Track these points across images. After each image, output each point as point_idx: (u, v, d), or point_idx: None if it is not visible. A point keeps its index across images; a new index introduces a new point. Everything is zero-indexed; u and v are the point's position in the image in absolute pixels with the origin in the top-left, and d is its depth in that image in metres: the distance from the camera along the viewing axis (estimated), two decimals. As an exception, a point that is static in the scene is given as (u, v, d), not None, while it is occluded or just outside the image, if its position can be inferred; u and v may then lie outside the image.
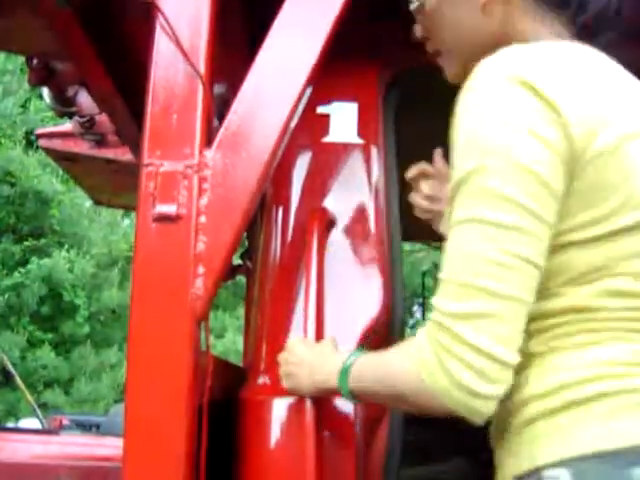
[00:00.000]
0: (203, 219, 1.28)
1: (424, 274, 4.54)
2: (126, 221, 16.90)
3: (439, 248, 3.58)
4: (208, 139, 1.33)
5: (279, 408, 1.44)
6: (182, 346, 1.25)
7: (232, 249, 1.30)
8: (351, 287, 1.53)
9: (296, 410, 1.38)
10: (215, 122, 1.44)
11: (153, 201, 1.28)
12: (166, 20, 1.34)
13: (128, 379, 1.26)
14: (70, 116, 3.03)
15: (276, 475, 1.42)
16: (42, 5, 1.81)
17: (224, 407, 1.45)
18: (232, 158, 1.32)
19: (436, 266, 4.54)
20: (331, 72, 1.46)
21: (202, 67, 1.33)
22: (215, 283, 1.28)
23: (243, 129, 1.33)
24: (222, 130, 1.33)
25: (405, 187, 1.65)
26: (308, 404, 1.31)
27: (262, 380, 1.50)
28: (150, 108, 1.33)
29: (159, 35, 1.36)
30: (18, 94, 15.30)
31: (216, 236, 1.28)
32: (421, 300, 4.66)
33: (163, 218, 1.27)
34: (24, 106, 15.66)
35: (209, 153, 1.31)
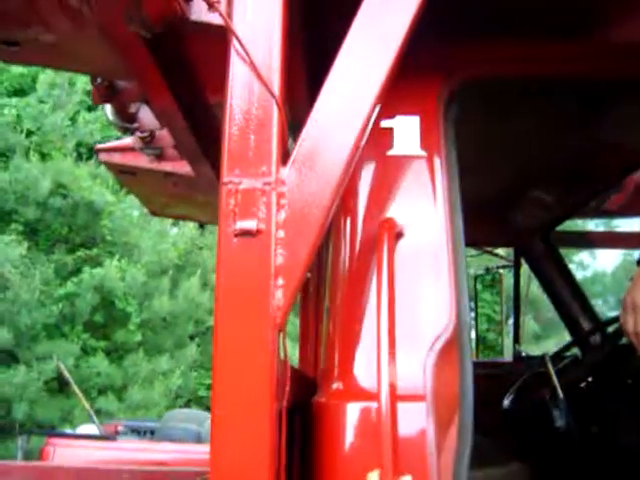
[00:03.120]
0: (281, 233, 1.35)
1: (476, 278, 4.54)
2: (174, 230, 17.08)
3: (489, 252, 3.59)
4: (283, 158, 1.39)
5: (353, 412, 1.49)
6: (264, 354, 1.32)
7: (309, 261, 1.37)
8: (420, 294, 1.59)
9: (371, 413, 1.44)
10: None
11: (234, 217, 1.35)
12: (241, 44, 1.41)
13: (214, 386, 1.33)
14: (131, 132, 3.12)
15: (352, 476, 1.47)
16: (110, 27, 1.89)
17: (294, 412, 1.51)
18: (306, 175, 1.38)
19: (487, 270, 4.54)
20: (394, 87, 1.51)
21: (276, 89, 1.40)
22: (293, 294, 1.34)
23: (316, 147, 1.40)
24: (297, 149, 1.40)
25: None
26: (383, 407, 1.35)
27: (336, 385, 1.56)
28: (228, 129, 1.40)
29: (234, 58, 1.43)
30: (67, 107, 15.55)
31: (294, 249, 1.35)
32: (472, 304, 4.66)
33: (244, 233, 1.34)
34: (73, 119, 15.91)
35: (285, 171, 1.38)
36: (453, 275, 1.61)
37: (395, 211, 1.64)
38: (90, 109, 15.96)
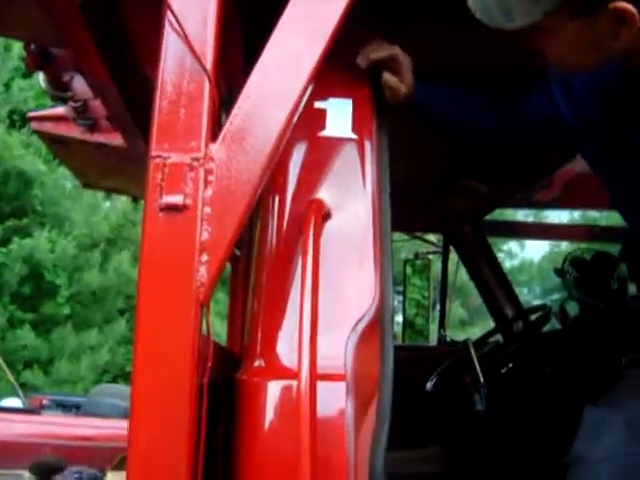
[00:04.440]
0: (208, 210, 1.35)
1: (405, 263, 4.59)
2: (107, 203, 16.87)
3: (418, 237, 3.64)
4: (213, 133, 1.39)
5: (273, 390, 1.50)
6: (186, 329, 1.32)
7: (234, 238, 1.37)
8: (345, 276, 1.60)
9: (291, 392, 1.45)
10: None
11: (160, 191, 1.34)
12: (174, 15, 1.39)
13: (135, 360, 1.33)
14: (64, 100, 3.07)
15: (270, 454, 1.48)
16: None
17: (216, 388, 1.51)
18: (236, 152, 1.38)
19: (416, 255, 4.59)
20: (329, 68, 1.52)
21: (209, 63, 1.39)
22: (218, 271, 1.35)
23: (247, 124, 1.40)
24: (227, 125, 1.39)
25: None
26: (303, 386, 1.36)
27: (257, 363, 1.57)
28: (158, 102, 1.39)
29: (167, 31, 1.41)
30: (1, 74, 15.19)
31: (220, 226, 1.35)
32: (401, 288, 4.71)
33: (170, 208, 1.33)
34: (7, 85, 15.56)
35: (214, 147, 1.38)
36: (378, 259, 1.63)
37: (323, 192, 1.65)
38: (25, 76, 15.62)
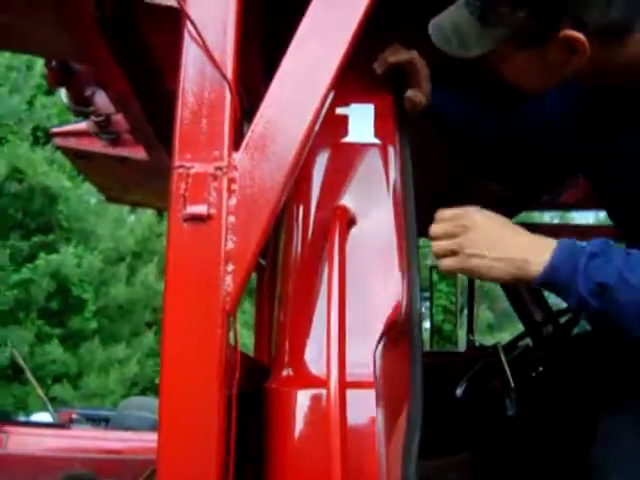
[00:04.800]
0: (232, 219, 1.34)
1: (431, 269, 4.57)
2: (132, 217, 16.97)
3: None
4: (236, 143, 1.38)
5: (302, 399, 1.49)
6: (213, 339, 1.31)
7: (259, 247, 1.36)
8: (371, 282, 1.59)
9: (320, 400, 1.44)
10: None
11: (184, 202, 1.34)
12: (194, 25, 1.39)
13: (162, 372, 1.32)
14: (86, 115, 3.09)
15: (301, 463, 1.47)
16: (64, 9, 1.87)
17: (244, 398, 1.51)
18: (259, 160, 1.37)
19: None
20: (350, 74, 1.51)
21: (229, 72, 1.38)
22: (244, 280, 1.34)
23: (269, 132, 1.39)
24: (249, 133, 1.39)
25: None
26: (332, 394, 1.35)
27: (286, 372, 1.56)
28: (180, 112, 1.38)
29: (187, 41, 1.41)
30: (24, 91, 15.35)
31: (244, 235, 1.34)
32: (428, 294, 4.69)
33: (194, 218, 1.33)
34: (30, 103, 15.71)
35: (237, 155, 1.37)
36: (405, 264, 1.62)
37: (348, 199, 1.64)
38: (48, 93, 15.78)
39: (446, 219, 1.44)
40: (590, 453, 1.66)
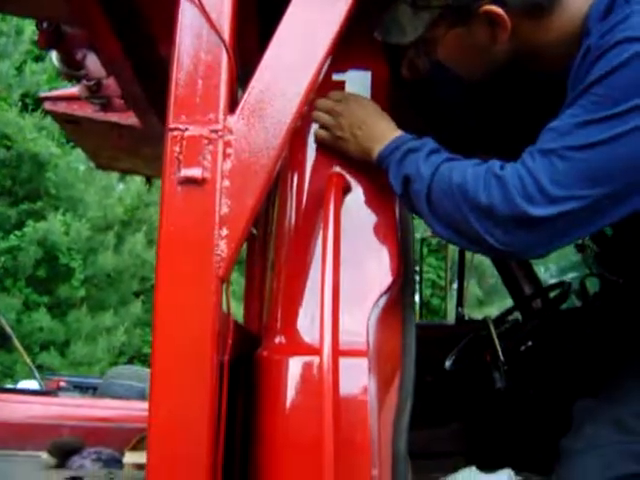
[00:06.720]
0: (227, 183, 1.33)
1: (422, 241, 4.55)
2: (121, 185, 16.88)
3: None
4: (232, 106, 1.36)
5: (296, 366, 1.48)
6: (206, 305, 1.30)
7: (254, 212, 1.35)
8: (366, 251, 1.58)
9: (313, 368, 1.43)
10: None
11: (178, 165, 1.32)
12: None
13: (155, 336, 1.31)
14: (77, 79, 3.04)
15: (292, 430, 1.46)
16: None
17: (237, 366, 1.50)
18: (254, 124, 1.36)
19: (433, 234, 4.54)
20: (347, 40, 1.49)
21: (226, 35, 1.36)
22: (238, 245, 1.32)
23: (265, 96, 1.37)
24: (245, 97, 1.37)
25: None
26: (325, 362, 1.34)
27: (279, 339, 1.55)
28: (175, 74, 1.36)
29: (184, 4, 1.39)
30: (13, 57, 15.19)
31: (239, 200, 1.33)
32: (417, 268, 4.68)
33: (188, 181, 1.31)
34: (19, 69, 15.55)
35: (233, 119, 1.35)
36: (400, 233, 1.61)
37: (343, 166, 1.62)
38: (37, 59, 15.62)
39: (333, 98, 1.64)
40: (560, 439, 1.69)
